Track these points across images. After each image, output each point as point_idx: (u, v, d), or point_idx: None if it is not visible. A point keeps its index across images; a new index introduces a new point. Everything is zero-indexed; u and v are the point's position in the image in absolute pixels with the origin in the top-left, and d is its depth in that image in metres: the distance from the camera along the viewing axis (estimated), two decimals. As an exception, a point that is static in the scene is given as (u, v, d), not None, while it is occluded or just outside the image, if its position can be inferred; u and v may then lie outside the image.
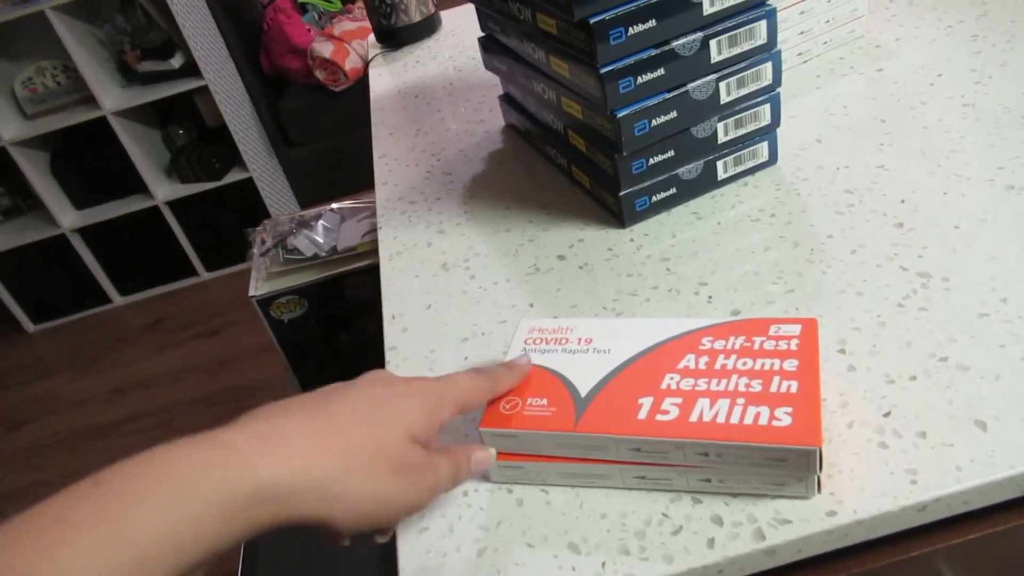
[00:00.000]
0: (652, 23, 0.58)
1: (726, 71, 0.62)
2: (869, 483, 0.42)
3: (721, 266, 0.60)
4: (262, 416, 0.37)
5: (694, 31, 0.60)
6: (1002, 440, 0.42)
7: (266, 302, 1.08)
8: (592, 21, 0.57)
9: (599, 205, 0.71)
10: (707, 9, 0.59)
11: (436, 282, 0.67)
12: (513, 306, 0.62)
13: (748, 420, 0.41)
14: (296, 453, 0.35)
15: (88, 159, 2.34)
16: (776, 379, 0.43)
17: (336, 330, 1.15)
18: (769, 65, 0.63)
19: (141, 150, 2.30)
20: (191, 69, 2.18)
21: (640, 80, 0.60)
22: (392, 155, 0.90)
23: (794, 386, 0.43)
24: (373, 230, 1.41)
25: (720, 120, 0.65)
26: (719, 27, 0.60)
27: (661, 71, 0.60)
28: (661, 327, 0.49)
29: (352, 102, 2.31)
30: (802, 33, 0.82)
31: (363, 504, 0.36)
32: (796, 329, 0.47)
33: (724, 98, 0.63)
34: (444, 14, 1.26)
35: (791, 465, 0.40)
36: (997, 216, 0.57)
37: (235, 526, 0.32)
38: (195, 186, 2.35)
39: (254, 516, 0.32)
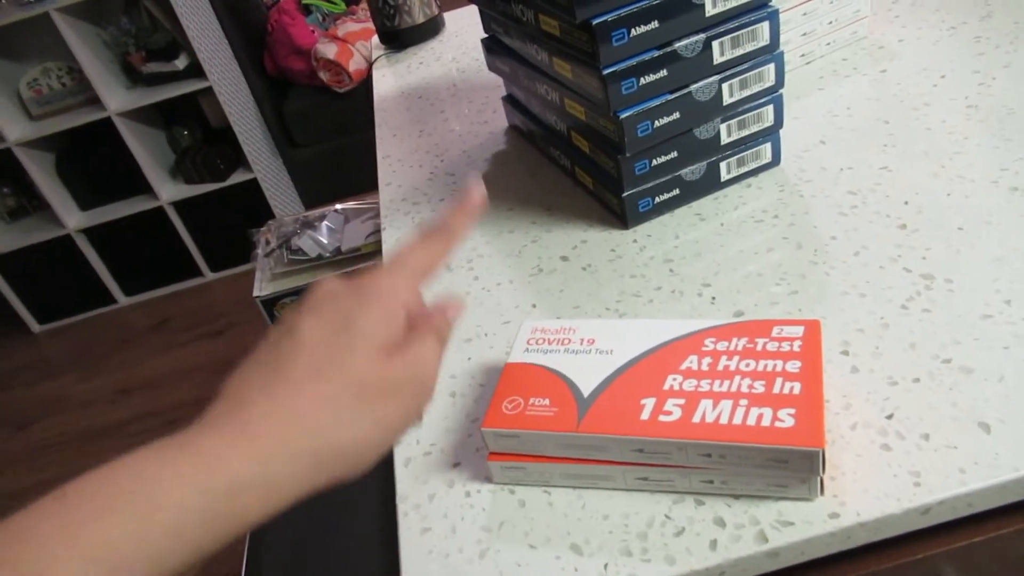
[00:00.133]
0: (655, 24, 0.58)
1: (729, 72, 0.62)
2: (872, 485, 0.42)
3: (724, 267, 0.60)
4: (223, 402, 0.34)
5: (697, 32, 0.60)
6: (1006, 442, 0.42)
7: (270, 302, 1.09)
8: (595, 22, 0.57)
9: (602, 206, 0.71)
10: (710, 10, 0.59)
11: (440, 283, 0.67)
12: (516, 307, 0.62)
13: (751, 421, 0.41)
14: (267, 436, 0.32)
15: (93, 160, 2.35)
16: (779, 380, 0.43)
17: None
18: (772, 66, 0.63)
19: (146, 151, 2.31)
20: (195, 70, 2.18)
21: (643, 81, 0.60)
22: (396, 156, 0.90)
23: (797, 387, 0.43)
24: (377, 231, 1.42)
25: (723, 121, 0.65)
26: (722, 28, 0.60)
27: (664, 72, 0.60)
28: (664, 328, 0.49)
29: (356, 103, 2.31)
30: (805, 34, 0.82)
31: (365, 445, 0.34)
32: (799, 331, 0.47)
33: (727, 99, 0.63)
34: (447, 15, 1.27)
35: (794, 467, 0.40)
36: (1001, 218, 0.57)
37: (218, 525, 0.30)
38: (200, 187, 2.35)
39: (237, 509, 0.31)
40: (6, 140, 2.16)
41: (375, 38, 1.26)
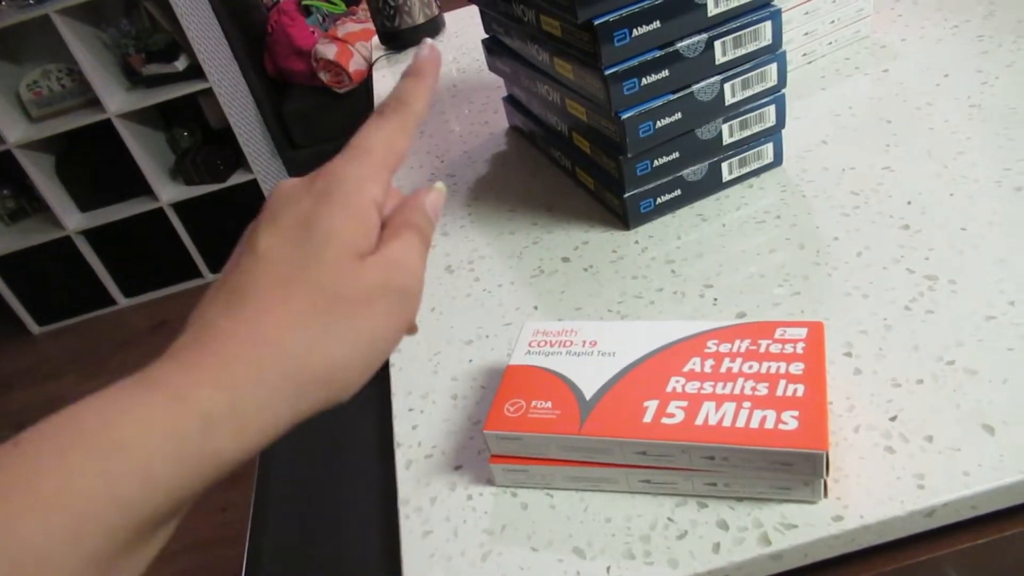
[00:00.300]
0: (656, 24, 0.58)
1: (731, 72, 0.62)
2: (876, 487, 0.41)
3: (726, 268, 0.60)
4: (187, 333, 0.31)
5: (699, 32, 0.60)
6: (1010, 444, 0.42)
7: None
8: (596, 22, 0.56)
9: (603, 207, 0.70)
10: (712, 10, 0.59)
11: (440, 284, 0.67)
12: (517, 308, 0.62)
13: (754, 424, 0.41)
14: (235, 361, 0.29)
15: (93, 161, 2.35)
16: (782, 382, 0.43)
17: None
18: (774, 66, 0.63)
19: (146, 152, 2.31)
20: (195, 71, 2.18)
21: (644, 81, 0.60)
22: (396, 157, 0.90)
23: (800, 390, 0.42)
24: (377, 232, 1.41)
25: (725, 121, 0.64)
26: (724, 28, 0.60)
27: (665, 72, 0.60)
28: (666, 330, 0.49)
29: (356, 104, 2.31)
30: (807, 34, 0.82)
31: (348, 364, 0.31)
32: (802, 332, 0.46)
33: (729, 99, 0.63)
34: (448, 16, 1.26)
35: (797, 469, 0.40)
36: (1004, 218, 0.57)
37: (190, 465, 0.27)
38: (199, 188, 2.35)
39: (209, 446, 0.28)
40: (6, 142, 2.16)
41: (375, 39, 1.25)
